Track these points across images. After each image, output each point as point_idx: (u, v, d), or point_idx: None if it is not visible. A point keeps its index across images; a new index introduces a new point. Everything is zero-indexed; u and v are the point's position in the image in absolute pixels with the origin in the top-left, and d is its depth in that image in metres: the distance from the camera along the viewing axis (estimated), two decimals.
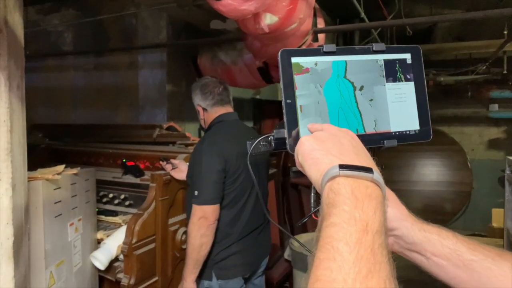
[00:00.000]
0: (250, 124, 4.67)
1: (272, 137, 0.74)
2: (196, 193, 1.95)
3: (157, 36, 3.12)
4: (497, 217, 4.84)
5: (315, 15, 2.17)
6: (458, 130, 6.81)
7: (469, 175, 6.25)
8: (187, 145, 2.65)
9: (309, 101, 0.69)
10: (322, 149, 0.59)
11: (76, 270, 1.93)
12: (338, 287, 0.42)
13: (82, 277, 1.98)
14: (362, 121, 0.72)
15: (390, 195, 0.72)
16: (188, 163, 2.31)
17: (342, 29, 3.00)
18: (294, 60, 0.69)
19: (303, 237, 3.25)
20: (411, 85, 0.76)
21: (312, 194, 0.82)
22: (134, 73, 3.24)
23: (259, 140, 0.78)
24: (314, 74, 0.70)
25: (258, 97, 4.84)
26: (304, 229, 3.63)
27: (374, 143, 0.72)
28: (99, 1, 3.39)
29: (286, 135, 0.68)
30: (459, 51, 5.47)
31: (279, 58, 0.68)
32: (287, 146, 0.69)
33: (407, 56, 0.76)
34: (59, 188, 1.77)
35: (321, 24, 2.29)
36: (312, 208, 0.79)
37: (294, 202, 3.76)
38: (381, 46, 0.74)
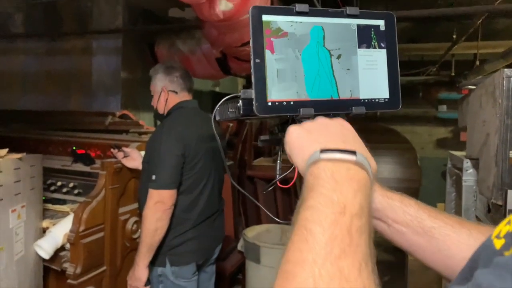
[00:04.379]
0: None
1: (240, 102, 0.70)
2: (153, 177, 1.91)
3: (112, 22, 3.04)
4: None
5: None
6: (409, 129, 7.11)
7: (419, 172, 6.54)
8: (140, 134, 2.61)
9: (286, 65, 0.67)
10: (309, 138, 0.59)
11: (17, 259, 1.85)
12: (307, 268, 0.41)
13: (25, 266, 1.90)
14: (337, 88, 0.71)
15: None
16: (140, 151, 2.27)
17: None
18: (265, 18, 0.66)
19: (257, 229, 3.28)
20: (383, 53, 0.74)
21: (278, 161, 0.80)
22: (87, 58, 3.14)
23: (228, 104, 0.73)
24: (292, 39, 0.67)
25: (217, 89, 4.82)
26: (259, 221, 3.67)
27: (343, 109, 0.71)
28: None
29: (253, 96, 0.65)
30: (411, 52, 5.70)
31: (249, 14, 0.65)
32: (254, 108, 0.65)
33: (381, 23, 0.75)
34: (0, 172, 1.69)
35: None
36: (277, 176, 0.78)
37: (250, 194, 3.78)
38: (355, 10, 0.72)
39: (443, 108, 6.53)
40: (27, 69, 3.44)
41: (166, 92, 2.14)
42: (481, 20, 3.19)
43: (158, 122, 3.36)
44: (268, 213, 0.90)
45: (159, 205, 1.90)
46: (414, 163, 6.54)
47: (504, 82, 1.52)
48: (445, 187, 2.69)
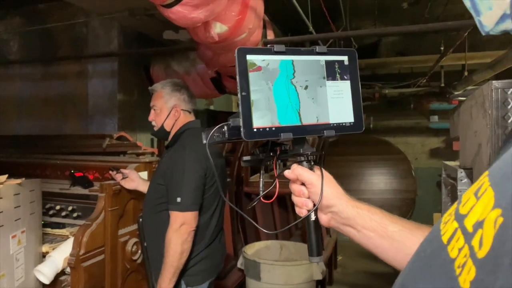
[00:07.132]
0: None
1: (226, 128, 0.81)
2: (179, 199, 1.89)
3: (108, 45, 3.08)
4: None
5: (265, 27, 2.25)
6: (402, 140, 7.19)
7: (414, 182, 6.59)
8: (138, 155, 2.62)
9: (260, 96, 0.76)
10: None
11: (18, 285, 1.84)
12: None
13: None
14: (300, 116, 0.81)
15: (328, 177, 0.83)
16: (139, 172, 2.28)
17: (289, 41, 3.10)
18: (248, 57, 0.76)
19: (256, 246, 3.28)
20: (347, 84, 0.86)
21: (261, 179, 0.89)
22: (83, 82, 3.17)
23: (214, 131, 0.83)
24: (265, 72, 0.78)
25: (211, 108, 4.87)
26: (258, 237, 3.67)
27: (316, 132, 0.82)
28: (48, 9, 3.30)
29: (241, 124, 0.74)
30: (401, 65, 5.81)
31: (236, 55, 0.75)
32: (242, 134, 0.74)
33: (344, 58, 0.87)
34: (1, 198, 1.70)
35: (270, 35, 2.38)
36: (261, 192, 0.87)
37: (248, 211, 3.79)
38: (323, 48, 0.84)
39: (435, 118, 6.62)
40: (23, 94, 3.46)
41: (179, 111, 2.09)
42: (467, 33, 3.28)
43: (155, 141, 3.40)
44: (263, 229, 0.95)
45: (184, 227, 1.88)
46: (408, 174, 6.59)
47: (493, 93, 1.57)
48: (441, 196, 2.71)
